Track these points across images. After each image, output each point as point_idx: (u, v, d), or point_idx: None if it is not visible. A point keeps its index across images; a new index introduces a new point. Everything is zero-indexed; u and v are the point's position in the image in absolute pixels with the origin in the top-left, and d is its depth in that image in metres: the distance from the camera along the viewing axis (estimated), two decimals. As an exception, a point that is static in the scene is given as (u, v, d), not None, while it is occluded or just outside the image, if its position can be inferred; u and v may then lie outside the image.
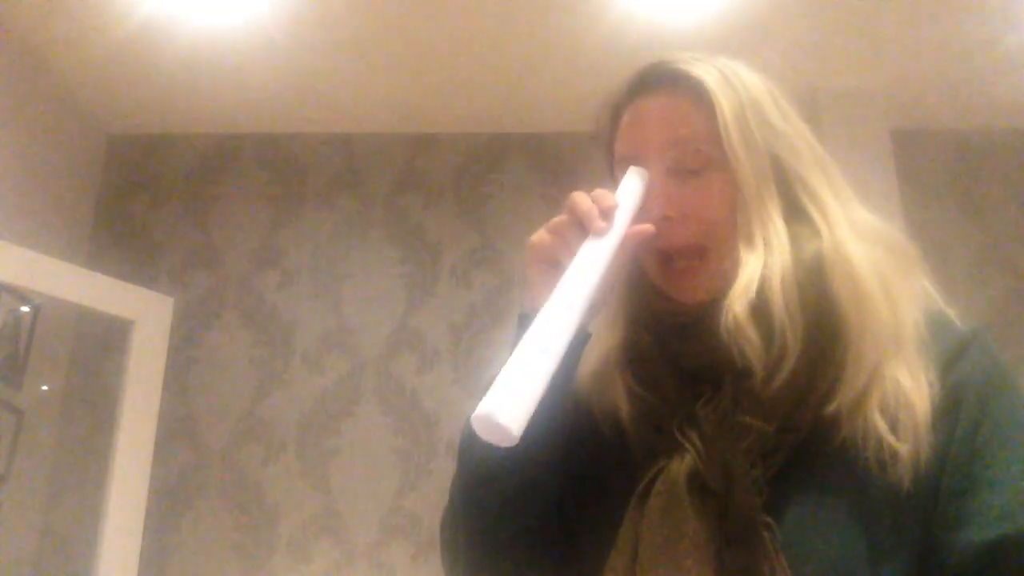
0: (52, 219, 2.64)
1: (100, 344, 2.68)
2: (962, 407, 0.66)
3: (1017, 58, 2.50)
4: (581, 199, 0.71)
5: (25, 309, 2.44)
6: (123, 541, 2.31)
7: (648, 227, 0.71)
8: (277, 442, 2.59)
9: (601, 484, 0.76)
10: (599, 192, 0.71)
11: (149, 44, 2.46)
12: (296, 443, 2.59)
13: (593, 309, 0.70)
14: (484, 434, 0.61)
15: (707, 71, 0.74)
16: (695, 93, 0.73)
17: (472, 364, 2.63)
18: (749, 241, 0.69)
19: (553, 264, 0.69)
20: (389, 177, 2.88)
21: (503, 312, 2.67)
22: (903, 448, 0.63)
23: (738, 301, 0.66)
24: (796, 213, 0.72)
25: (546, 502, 0.73)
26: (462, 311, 2.71)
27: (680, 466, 0.67)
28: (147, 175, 2.91)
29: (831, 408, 0.66)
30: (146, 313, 2.50)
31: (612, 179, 0.77)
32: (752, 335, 0.66)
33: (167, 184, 2.90)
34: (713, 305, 0.69)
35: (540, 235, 0.72)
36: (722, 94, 0.72)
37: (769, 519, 0.63)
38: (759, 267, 0.68)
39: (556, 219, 0.72)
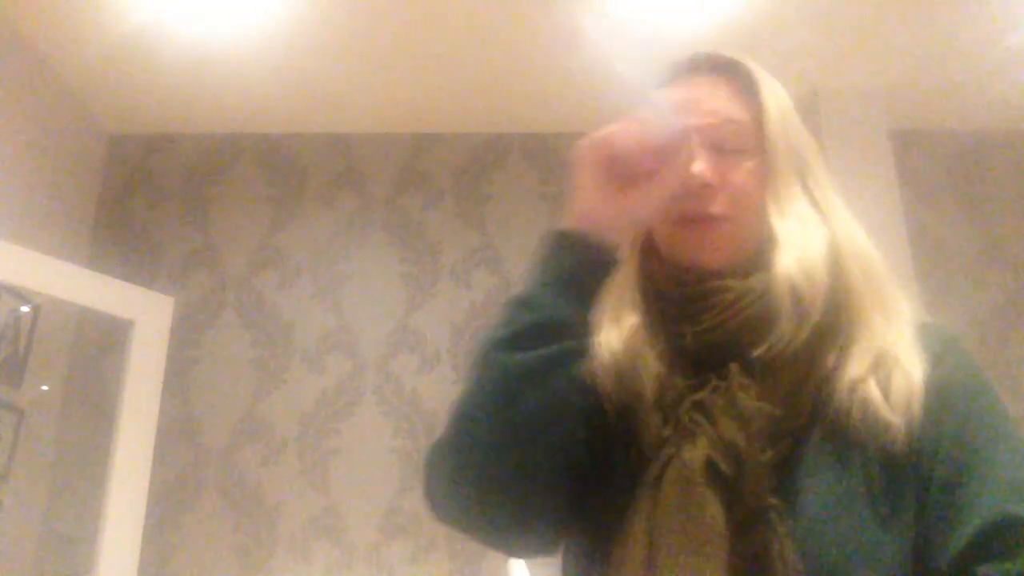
0: (52, 219, 2.64)
1: (100, 344, 2.68)
2: (949, 404, 0.70)
3: (1017, 58, 2.50)
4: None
5: (25, 309, 2.44)
6: (123, 541, 2.31)
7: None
8: (277, 442, 2.59)
9: (605, 473, 0.76)
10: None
11: (149, 44, 2.46)
12: (296, 443, 2.59)
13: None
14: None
15: (757, 68, 0.81)
16: (745, 83, 0.79)
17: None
18: (782, 218, 0.75)
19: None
20: (389, 177, 2.88)
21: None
22: (896, 419, 0.67)
23: (791, 265, 0.71)
24: (815, 207, 0.77)
25: (573, 425, 0.70)
26: (462, 311, 2.71)
27: (694, 452, 0.68)
28: (147, 175, 2.91)
29: (835, 384, 0.70)
30: (146, 313, 2.50)
31: None
32: (787, 303, 0.70)
33: (167, 184, 2.90)
34: (721, 276, 0.73)
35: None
36: (768, 90, 0.79)
37: (777, 502, 0.65)
38: (798, 242, 0.73)
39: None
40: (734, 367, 0.70)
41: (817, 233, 0.74)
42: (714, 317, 0.72)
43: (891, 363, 0.70)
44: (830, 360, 0.71)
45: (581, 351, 0.70)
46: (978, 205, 2.81)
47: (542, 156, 2.87)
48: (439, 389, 2.61)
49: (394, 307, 2.73)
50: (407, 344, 2.69)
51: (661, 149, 0.72)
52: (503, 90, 2.71)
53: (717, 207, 0.75)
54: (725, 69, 0.80)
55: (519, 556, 0.77)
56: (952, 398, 0.70)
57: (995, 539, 0.63)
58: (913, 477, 0.68)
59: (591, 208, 0.72)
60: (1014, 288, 2.69)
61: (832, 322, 0.72)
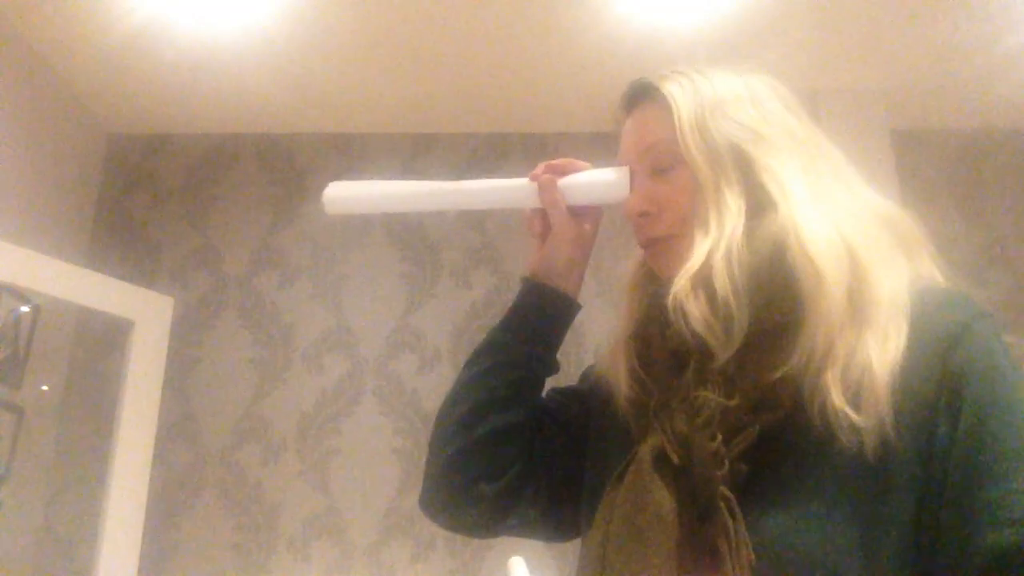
0: (52, 219, 2.64)
1: (100, 344, 2.68)
2: (966, 394, 0.65)
3: (1017, 58, 2.50)
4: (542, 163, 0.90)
5: (25, 309, 2.44)
6: (123, 541, 2.31)
7: (548, 178, 0.88)
8: (277, 442, 2.59)
9: (603, 462, 0.81)
10: (563, 159, 0.90)
11: (149, 44, 2.46)
12: (296, 443, 2.59)
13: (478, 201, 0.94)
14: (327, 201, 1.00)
15: (674, 82, 0.82)
16: (662, 103, 0.82)
17: (472, 364, 2.63)
18: (704, 227, 0.75)
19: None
20: (389, 177, 2.87)
21: (503, 312, 2.66)
22: (863, 420, 0.64)
23: (679, 279, 0.73)
24: (761, 197, 0.75)
25: (506, 418, 0.85)
26: (462, 311, 2.71)
27: (648, 444, 0.71)
28: (147, 175, 2.91)
29: (783, 374, 0.67)
30: (146, 313, 2.50)
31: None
32: (694, 309, 0.71)
33: (167, 184, 2.90)
34: None
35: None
36: (681, 100, 0.80)
37: (728, 493, 0.65)
38: (706, 247, 0.73)
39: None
40: (693, 364, 0.72)
41: (728, 234, 0.72)
42: (676, 327, 0.74)
43: (860, 359, 0.66)
44: (791, 353, 0.68)
45: (512, 364, 0.87)
46: (978, 205, 2.81)
47: (542, 156, 2.86)
48: (439, 389, 2.60)
49: (394, 307, 2.73)
50: (407, 344, 2.69)
51: (542, 211, 0.90)
52: (503, 90, 2.71)
53: (659, 229, 0.81)
54: (646, 94, 0.84)
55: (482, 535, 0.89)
56: (970, 389, 0.65)
57: (1015, 561, 0.60)
58: (908, 474, 0.64)
59: (530, 258, 0.92)
60: (1014, 288, 2.70)
61: (779, 313, 0.70)
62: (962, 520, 0.62)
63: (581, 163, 0.89)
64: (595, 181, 0.87)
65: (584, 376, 0.95)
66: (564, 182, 0.88)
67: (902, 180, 2.57)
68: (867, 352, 0.66)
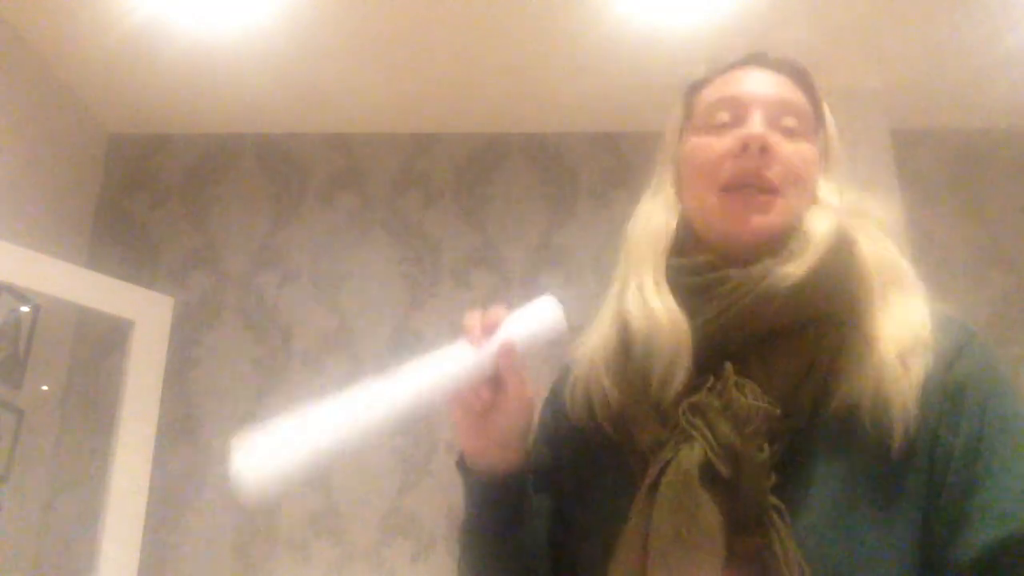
0: (52, 219, 2.64)
1: (100, 344, 2.68)
2: (965, 405, 0.68)
3: (1017, 58, 2.50)
4: (469, 317, 0.80)
5: (25, 309, 2.44)
6: (123, 541, 2.30)
7: (509, 346, 0.76)
8: (277, 442, 2.59)
9: (598, 486, 0.77)
10: (492, 310, 0.79)
11: (149, 44, 2.46)
12: (296, 443, 2.58)
13: (427, 406, 0.78)
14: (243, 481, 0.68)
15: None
16: (800, 79, 0.84)
17: (472, 364, 2.63)
18: (818, 206, 0.77)
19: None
20: (389, 177, 2.88)
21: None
22: (892, 420, 0.66)
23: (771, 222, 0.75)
24: (839, 199, 0.80)
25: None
26: (462, 311, 2.70)
27: (690, 454, 0.67)
28: (147, 175, 2.91)
29: (806, 373, 0.69)
30: (146, 313, 2.50)
31: (687, 125, 0.84)
32: (782, 293, 0.71)
33: (167, 184, 2.90)
34: (728, 265, 0.74)
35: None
36: (818, 88, 0.85)
37: (779, 503, 0.65)
38: (798, 212, 0.76)
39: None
40: (729, 366, 0.70)
41: (831, 223, 0.74)
42: (713, 308, 0.72)
43: (892, 362, 0.68)
44: (828, 358, 0.69)
45: (483, 556, 0.81)
46: (978, 205, 2.80)
47: (542, 156, 2.87)
48: (439, 389, 2.60)
49: (394, 307, 2.73)
50: (407, 344, 2.68)
51: (492, 380, 0.77)
52: (503, 90, 2.71)
53: (769, 174, 0.76)
54: (782, 66, 0.84)
55: None
56: (969, 401, 0.68)
57: (1005, 555, 0.62)
58: (918, 480, 0.66)
59: (464, 441, 0.80)
60: (1014, 288, 2.69)
61: (831, 317, 0.71)
62: (958, 520, 0.65)
63: (501, 308, 0.80)
64: (538, 323, 0.77)
65: (542, 423, 0.88)
66: (512, 337, 0.75)
67: (902, 180, 2.57)
68: (902, 356, 0.69)
